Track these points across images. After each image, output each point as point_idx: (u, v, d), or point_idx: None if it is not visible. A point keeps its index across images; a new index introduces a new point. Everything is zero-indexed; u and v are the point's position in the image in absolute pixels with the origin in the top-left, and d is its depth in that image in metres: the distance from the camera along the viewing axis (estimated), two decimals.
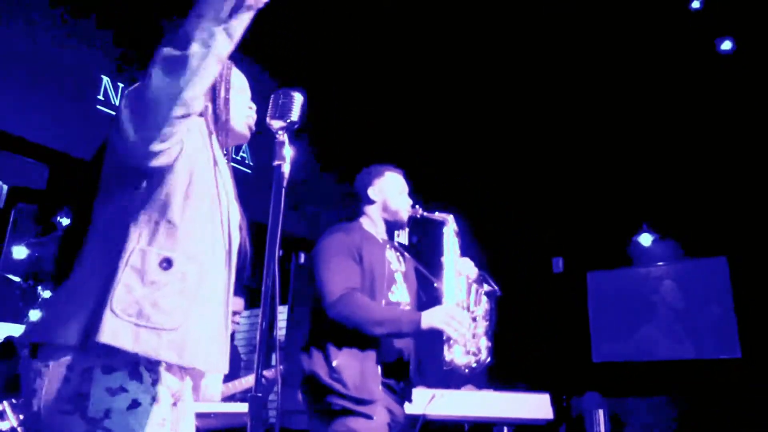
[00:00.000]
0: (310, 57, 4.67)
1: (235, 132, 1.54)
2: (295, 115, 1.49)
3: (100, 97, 3.56)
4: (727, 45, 4.52)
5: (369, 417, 1.91)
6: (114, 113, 3.53)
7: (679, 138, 5.08)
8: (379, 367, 2.00)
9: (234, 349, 4.05)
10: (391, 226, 2.32)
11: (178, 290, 1.15)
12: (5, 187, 3.55)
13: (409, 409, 3.17)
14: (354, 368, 1.94)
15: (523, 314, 5.88)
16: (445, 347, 1.98)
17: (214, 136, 1.48)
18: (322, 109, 4.83)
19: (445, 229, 2.31)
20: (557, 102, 5.15)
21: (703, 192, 5.17)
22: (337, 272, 2.03)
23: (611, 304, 5.62)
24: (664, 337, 5.29)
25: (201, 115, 1.44)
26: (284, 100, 1.50)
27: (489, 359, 2.06)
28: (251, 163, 4.47)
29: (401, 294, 2.18)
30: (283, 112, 1.49)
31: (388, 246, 2.25)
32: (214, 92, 1.48)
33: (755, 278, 4.99)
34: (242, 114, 1.54)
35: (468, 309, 2.13)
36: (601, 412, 2.91)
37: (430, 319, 1.96)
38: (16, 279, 4.47)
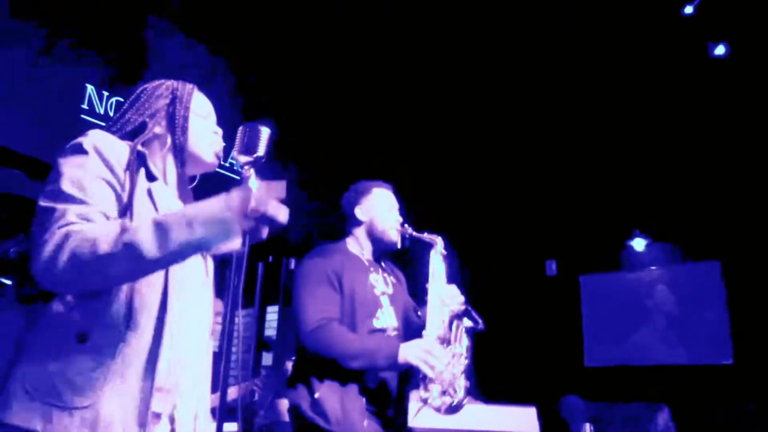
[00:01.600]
0: (298, 70, 4.64)
1: (199, 160, 1.47)
2: (261, 150, 1.45)
3: (84, 106, 3.52)
4: (720, 50, 4.48)
5: None
6: (100, 123, 3.54)
7: (673, 142, 5.05)
8: (363, 398, 1.93)
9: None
10: (380, 247, 2.21)
11: (91, 367, 1.10)
12: None
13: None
14: (335, 401, 1.89)
15: (516, 317, 5.88)
16: (422, 385, 1.91)
17: (171, 167, 1.44)
18: (307, 115, 4.81)
19: (432, 252, 2.19)
20: (551, 106, 5.11)
21: (698, 196, 5.14)
22: (314, 301, 1.97)
23: (604, 308, 5.61)
24: (657, 342, 5.27)
25: (142, 145, 1.36)
26: (250, 134, 1.47)
27: (466, 400, 1.96)
28: (240, 170, 4.43)
29: (387, 319, 2.09)
30: (249, 147, 1.45)
31: (373, 268, 2.15)
32: (172, 121, 1.42)
33: (749, 283, 4.97)
34: (206, 141, 1.46)
35: (448, 344, 2.00)
36: (587, 426, 2.91)
37: (406, 353, 1.88)
38: None
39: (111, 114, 3.65)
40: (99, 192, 1.18)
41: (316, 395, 1.89)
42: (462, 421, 3.17)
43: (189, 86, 1.50)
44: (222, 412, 1.22)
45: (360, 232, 2.20)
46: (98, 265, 1.05)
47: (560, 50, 4.60)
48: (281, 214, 1.18)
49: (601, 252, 5.67)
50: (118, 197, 1.21)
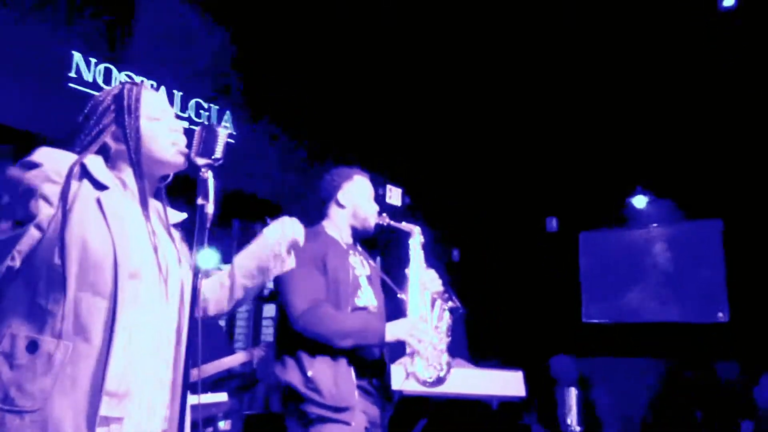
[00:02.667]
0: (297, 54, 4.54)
1: (162, 162, 1.47)
2: (219, 152, 1.45)
3: (72, 74, 3.49)
4: (729, 1, 4.29)
5: (347, 423, 1.94)
6: (88, 91, 3.52)
7: (677, 97, 4.92)
8: (353, 371, 2.02)
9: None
10: (358, 233, 2.27)
11: (41, 372, 1.16)
12: None
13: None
14: (328, 376, 1.97)
15: (516, 273, 5.93)
16: (408, 359, 2.03)
17: (131, 177, 1.44)
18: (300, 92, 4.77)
19: (411, 241, 2.28)
20: (552, 61, 4.98)
21: (701, 152, 5.05)
22: (301, 284, 2.01)
23: (603, 265, 5.63)
24: (653, 299, 5.31)
25: (108, 157, 1.40)
26: (207, 136, 1.45)
27: (448, 374, 2.09)
28: (234, 133, 4.43)
29: (368, 298, 2.17)
30: (206, 149, 1.44)
31: (351, 251, 2.22)
32: (124, 134, 1.41)
33: (749, 242, 4.94)
34: (164, 142, 1.44)
35: (431, 323, 2.13)
36: (573, 390, 2.97)
37: (395, 330, 2.00)
38: None
39: (99, 81, 3.62)
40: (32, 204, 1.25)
41: (309, 373, 1.96)
42: (450, 384, 3.27)
43: (136, 90, 1.46)
44: (185, 383, 1.28)
45: (341, 215, 2.23)
46: None
47: (560, 6, 4.45)
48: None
49: (602, 209, 5.64)
50: (56, 208, 1.25)
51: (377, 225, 2.26)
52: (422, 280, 2.20)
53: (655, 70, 4.85)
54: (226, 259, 5.53)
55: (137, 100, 1.43)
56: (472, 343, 4.05)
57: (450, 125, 5.76)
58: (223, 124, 4.36)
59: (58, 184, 1.26)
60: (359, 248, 2.31)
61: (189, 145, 1.50)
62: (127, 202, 1.39)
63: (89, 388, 1.19)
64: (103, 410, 1.20)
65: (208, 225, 1.41)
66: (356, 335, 1.99)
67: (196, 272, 1.37)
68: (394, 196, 5.64)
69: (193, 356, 1.31)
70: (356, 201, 2.22)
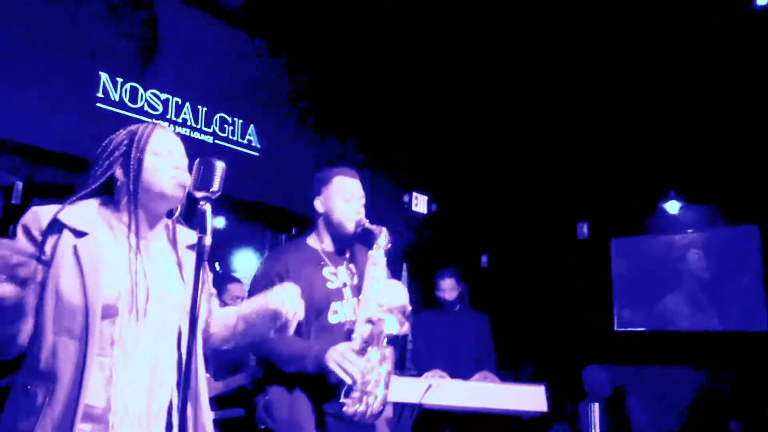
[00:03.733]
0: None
1: (161, 195, 1.52)
2: (216, 184, 1.48)
3: (99, 94, 3.60)
4: (764, 0, 4.13)
5: None
6: (116, 110, 3.63)
7: (710, 100, 4.76)
8: (311, 396, 1.95)
9: None
10: (338, 239, 2.16)
11: (28, 412, 1.29)
12: (20, 184, 3.69)
13: (405, 398, 3.25)
14: (283, 402, 1.94)
15: (546, 279, 5.84)
16: (342, 392, 1.89)
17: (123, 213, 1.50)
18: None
19: (375, 246, 2.11)
20: (584, 64, 4.88)
21: (735, 157, 4.87)
22: None
23: (635, 272, 5.49)
24: (689, 307, 5.15)
25: (106, 195, 1.50)
26: (205, 169, 1.48)
27: (381, 410, 1.90)
28: (258, 146, 4.49)
29: (347, 312, 2.07)
30: (204, 183, 1.47)
31: (330, 261, 2.12)
32: (127, 166, 1.48)
33: None
34: (164, 176, 1.51)
35: (366, 349, 1.94)
36: (596, 406, 2.90)
37: (328, 357, 1.89)
38: None
39: (126, 100, 3.72)
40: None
41: (267, 397, 1.97)
42: (471, 399, 3.25)
43: (151, 127, 1.54)
44: (185, 394, 1.33)
45: (321, 223, 2.17)
46: None
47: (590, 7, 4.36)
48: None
49: (634, 214, 5.50)
50: (40, 261, 1.35)
51: (359, 226, 2.11)
52: (376, 295, 2.01)
53: (688, 71, 4.71)
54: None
55: (148, 136, 1.52)
56: (500, 352, 4.00)
57: (477, 130, 5.71)
58: (247, 137, 4.42)
59: (38, 242, 1.38)
60: (349, 255, 2.19)
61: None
62: (116, 239, 1.46)
63: (62, 424, 1.29)
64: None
65: (206, 257, 1.45)
66: (296, 361, 1.92)
67: (194, 304, 1.41)
68: (420, 203, 5.62)
69: (185, 383, 1.35)
70: (330, 205, 2.13)
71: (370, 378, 1.90)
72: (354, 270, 2.17)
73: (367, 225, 2.12)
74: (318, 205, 2.16)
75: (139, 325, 1.40)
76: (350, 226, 2.11)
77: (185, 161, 1.58)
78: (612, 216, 5.58)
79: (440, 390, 3.22)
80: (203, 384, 1.52)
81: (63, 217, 1.41)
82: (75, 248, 1.37)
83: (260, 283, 2.02)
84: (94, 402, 1.32)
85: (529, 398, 3.18)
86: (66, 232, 1.39)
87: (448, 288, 3.99)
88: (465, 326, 3.96)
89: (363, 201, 2.18)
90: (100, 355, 1.34)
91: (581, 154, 5.56)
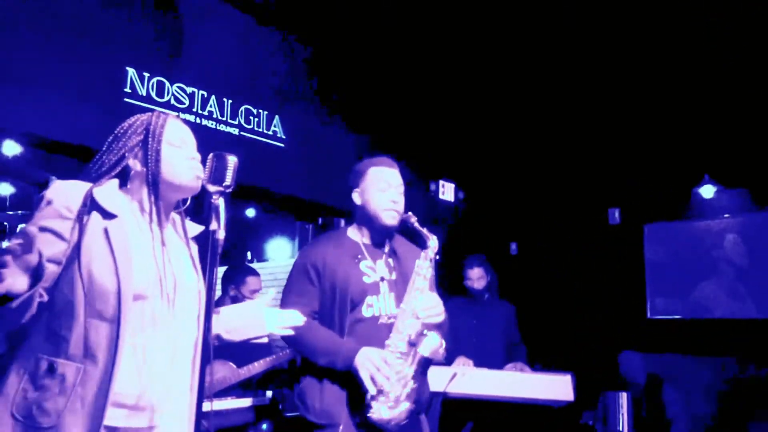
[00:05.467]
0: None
1: (179, 186, 1.55)
2: (229, 179, 1.50)
3: (127, 89, 3.67)
4: None
5: None
6: (144, 105, 3.69)
7: (747, 83, 4.59)
8: (345, 391, 1.96)
9: None
10: (377, 232, 2.13)
11: (57, 392, 1.30)
12: (55, 179, 3.79)
13: (431, 386, 3.26)
14: (315, 390, 1.97)
15: (577, 267, 5.75)
16: (368, 396, 1.90)
17: (146, 196, 1.52)
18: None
19: (422, 254, 2.10)
20: (615, 47, 4.76)
21: None
22: (290, 297, 2.03)
23: (669, 259, 5.36)
24: (725, 294, 5.01)
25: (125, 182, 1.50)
26: (218, 164, 1.51)
27: (405, 422, 1.90)
28: (284, 137, 4.52)
29: (384, 306, 2.05)
30: (217, 177, 1.50)
31: (369, 254, 2.10)
32: (146, 155, 1.50)
33: None
34: (181, 167, 1.54)
35: (398, 363, 1.93)
36: (624, 396, 2.84)
37: (358, 361, 1.90)
38: None
39: (153, 95, 3.79)
40: (44, 241, 1.33)
41: (300, 385, 2.00)
42: (497, 388, 3.23)
43: (163, 118, 1.57)
44: (201, 391, 1.39)
45: (360, 216, 2.15)
46: None
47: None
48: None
49: (667, 199, 5.36)
50: (67, 241, 1.36)
51: (405, 222, 2.09)
52: (415, 308, 1.99)
53: (723, 53, 4.54)
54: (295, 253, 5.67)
55: (162, 126, 1.54)
56: (529, 341, 3.96)
57: (504, 115, 5.64)
58: (272, 128, 4.46)
59: (69, 219, 1.37)
60: (388, 249, 2.16)
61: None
62: (139, 226, 1.48)
63: (95, 404, 1.31)
64: (109, 420, 1.33)
65: (219, 250, 1.48)
66: (328, 357, 1.93)
67: (209, 297, 1.44)
68: (447, 191, 5.59)
69: (200, 379, 1.39)
70: (366, 197, 2.11)
71: (400, 391, 1.90)
72: (393, 264, 2.14)
73: (416, 225, 2.09)
74: (356, 197, 2.14)
75: (168, 311, 1.45)
76: (385, 217, 2.08)
77: (197, 152, 1.61)
78: (645, 201, 5.45)
79: (465, 378, 3.21)
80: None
81: (97, 196, 1.41)
82: (106, 230, 1.38)
83: (296, 277, 2.07)
84: (127, 385, 1.36)
85: (555, 387, 3.15)
86: (95, 214, 1.39)
87: (477, 277, 3.96)
88: (493, 316, 3.93)
89: (401, 189, 2.14)
90: (133, 338, 1.37)
91: (612, 137, 5.43)
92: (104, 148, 1.52)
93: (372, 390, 1.88)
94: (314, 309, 2.02)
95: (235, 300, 3.23)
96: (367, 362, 1.90)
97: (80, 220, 1.37)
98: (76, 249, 1.35)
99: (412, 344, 1.95)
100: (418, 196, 5.43)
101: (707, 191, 5.02)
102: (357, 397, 1.95)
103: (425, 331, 1.98)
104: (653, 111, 5.13)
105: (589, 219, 5.78)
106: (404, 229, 2.19)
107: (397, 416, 1.89)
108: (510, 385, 3.21)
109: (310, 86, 4.69)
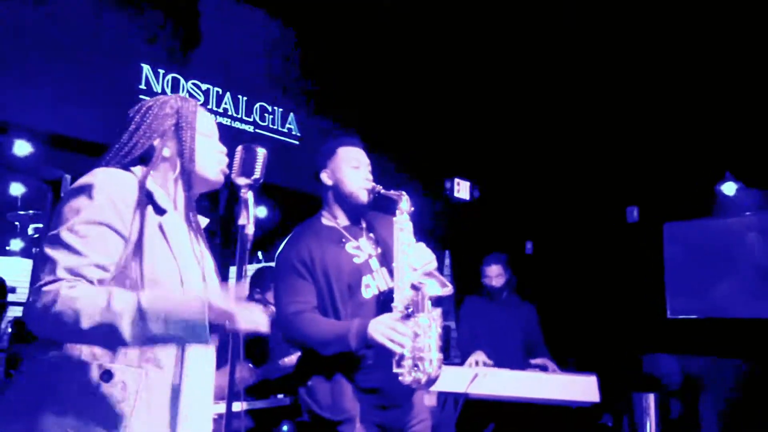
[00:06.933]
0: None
1: (206, 180, 1.48)
2: (258, 171, 1.45)
3: (142, 86, 3.63)
4: None
5: None
6: None
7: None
8: (350, 379, 1.94)
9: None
10: (352, 211, 2.10)
11: (119, 399, 1.17)
12: (69, 177, 3.76)
13: (452, 387, 3.19)
14: (325, 386, 1.93)
15: (594, 266, 5.67)
16: (394, 362, 1.86)
17: (180, 191, 1.44)
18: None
19: (397, 212, 2.03)
20: (631, 42, 4.68)
21: None
22: (284, 294, 1.97)
23: (689, 257, 5.26)
24: (747, 294, 4.91)
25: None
26: (247, 156, 1.45)
27: (438, 374, 1.86)
28: (298, 134, 4.46)
29: (381, 281, 2.03)
30: (246, 170, 1.44)
31: (351, 235, 2.07)
32: (181, 145, 1.42)
33: None
34: (212, 160, 1.47)
35: (412, 316, 1.89)
36: (651, 397, 2.77)
37: (373, 331, 1.84)
38: None
39: (168, 92, 3.74)
40: (97, 240, 1.20)
41: (309, 383, 1.95)
42: (521, 389, 3.16)
43: (192, 104, 1.49)
44: (231, 390, 1.31)
45: (330, 198, 2.12)
46: (79, 336, 1.12)
47: None
48: (258, 324, 1.21)
49: (687, 197, 5.26)
50: (125, 239, 1.23)
51: (374, 194, 2.06)
52: (409, 260, 1.95)
53: (743, 48, 4.45)
54: None
55: (194, 113, 1.46)
56: (546, 341, 3.89)
57: (519, 112, 5.56)
58: (287, 126, 4.41)
59: (126, 214, 1.24)
60: (365, 225, 2.13)
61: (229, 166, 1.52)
62: (178, 222, 1.41)
63: (166, 412, 1.22)
64: (182, 428, 1.24)
65: (249, 245, 1.41)
66: (337, 342, 1.88)
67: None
68: (462, 189, 5.51)
69: (230, 378, 1.33)
70: (339, 176, 2.07)
71: (423, 343, 1.86)
72: (375, 238, 2.12)
73: (383, 191, 2.06)
74: (325, 178, 2.11)
75: None
76: (362, 195, 2.06)
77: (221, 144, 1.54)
78: (664, 199, 5.35)
79: (487, 379, 3.15)
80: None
81: (151, 188, 1.31)
82: (161, 227, 1.30)
83: (285, 276, 2.00)
84: (195, 389, 1.28)
85: (580, 388, 3.08)
86: (149, 207, 1.30)
87: (495, 275, 3.90)
88: (512, 315, 3.87)
89: (370, 168, 2.12)
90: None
91: (630, 134, 5.34)
92: (132, 128, 1.39)
93: (398, 350, 1.83)
94: (313, 304, 1.97)
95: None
96: (380, 326, 1.85)
97: (136, 214, 1.25)
98: (135, 248, 1.24)
99: (416, 288, 1.90)
100: (433, 194, 5.37)
101: (729, 189, 4.92)
102: (370, 377, 1.94)
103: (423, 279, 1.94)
104: (673, 106, 5.03)
105: (607, 217, 5.69)
106: (374, 202, 2.16)
107: (433, 371, 1.85)
108: (534, 386, 3.14)
109: (325, 83, 4.63)
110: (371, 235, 2.11)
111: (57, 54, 3.26)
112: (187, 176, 1.42)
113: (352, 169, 2.07)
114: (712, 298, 5.11)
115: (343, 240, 2.05)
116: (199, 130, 1.46)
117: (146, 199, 1.29)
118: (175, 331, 1.10)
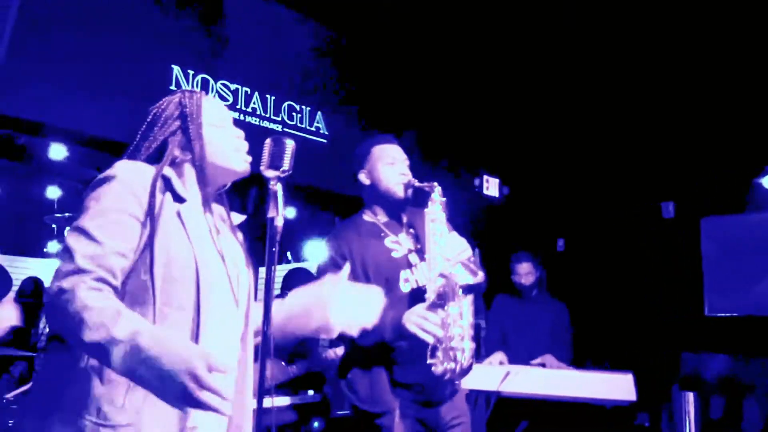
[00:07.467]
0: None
1: (226, 170, 1.47)
2: (287, 163, 1.43)
3: (172, 87, 3.67)
4: None
5: (386, 428, 1.92)
6: None
7: None
8: (389, 372, 1.96)
9: None
10: (391, 207, 2.15)
11: (133, 386, 1.17)
12: None
13: (483, 385, 3.16)
14: (364, 379, 1.96)
15: (629, 264, 5.54)
16: (428, 353, 1.86)
17: (193, 183, 1.44)
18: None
19: (429, 203, 2.06)
20: (667, 35, 4.56)
21: None
22: None
23: (728, 253, 5.10)
24: None
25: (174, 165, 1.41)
26: (276, 148, 1.44)
27: (471, 363, 1.88)
28: (326, 133, 4.47)
29: (419, 277, 2.05)
30: (275, 162, 1.43)
31: (391, 231, 2.11)
32: (188, 141, 1.41)
33: None
34: (228, 148, 1.46)
35: (442, 305, 1.89)
36: (691, 396, 2.69)
37: (406, 321, 1.86)
38: None
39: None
40: (117, 227, 1.22)
41: (350, 376, 1.99)
42: (554, 387, 3.10)
43: (197, 96, 1.49)
44: (262, 385, 1.29)
45: (369, 196, 2.17)
46: (78, 344, 1.12)
47: None
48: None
49: (725, 191, 5.11)
50: (144, 225, 1.25)
51: (410, 187, 2.10)
52: (441, 250, 1.96)
53: None
54: None
55: (199, 107, 1.45)
56: (578, 340, 3.82)
57: (549, 106, 5.47)
58: (315, 124, 4.41)
59: (143, 200, 1.27)
60: (407, 220, 2.16)
61: (253, 155, 1.51)
62: (200, 212, 1.41)
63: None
64: (191, 421, 1.23)
65: (278, 238, 1.40)
66: (373, 332, 1.82)
67: (269, 288, 1.36)
68: (492, 186, 5.45)
69: (261, 374, 1.31)
70: (375, 174, 2.12)
71: (454, 333, 1.87)
72: (415, 234, 2.15)
73: (417, 184, 2.10)
74: (363, 178, 2.16)
75: (227, 299, 1.38)
76: (399, 190, 2.10)
77: (239, 129, 1.52)
78: (701, 194, 5.20)
79: (519, 377, 3.10)
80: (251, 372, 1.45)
81: (170, 175, 1.33)
82: (179, 213, 1.31)
83: (326, 269, 2.04)
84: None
85: (615, 387, 3.01)
86: (168, 195, 1.31)
87: (525, 272, 3.85)
88: (543, 313, 3.81)
89: (407, 163, 2.16)
90: (212, 329, 1.29)
91: (666, 126, 5.21)
92: (139, 136, 1.44)
93: (429, 339, 1.83)
94: None
95: None
96: (412, 316, 1.87)
97: (155, 200, 1.27)
98: (151, 232, 1.25)
99: (445, 276, 1.91)
100: (462, 191, 5.32)
101: None
102: (407, 371, 1.94)
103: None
104: (709, 98, 4.89)
105: (642, 213, 5.56)
106: (412, 197, 2.19)
107: (465, 361, 1.86)
108: (568, 384, 3.08)
109: (353, 82, 4.63)
110: (411, 230, 2.14)
111: (89, 56, 3.31)
112: (200, 170, 1.42)
113: (387, 165, 2.11)
114: (752, 296, 4.95)
115: (382, 234, 2.09)
116: (208, 121, 1.45)
117: (164, 185, 1.31)
118: (151, 377, 1.06)
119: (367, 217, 2.16)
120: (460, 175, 5.32)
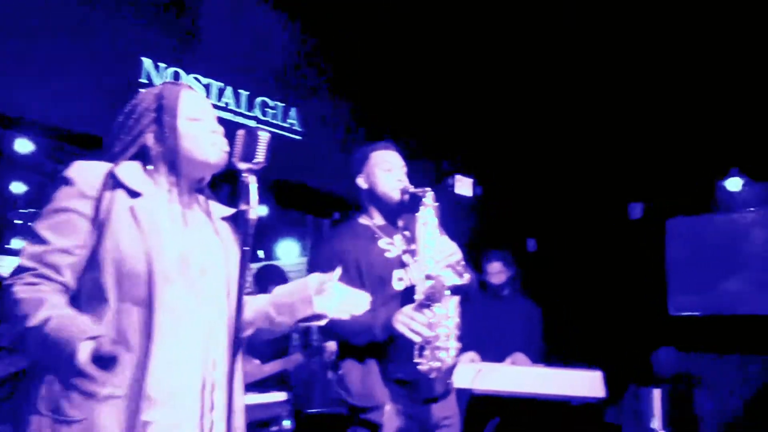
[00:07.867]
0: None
1: (201, 163, 1.47)
2: (260, 156, 1.42)
3: (143, 80, 3.61)
4: None
5: (376, 423, 1.93)
6: None
7: None
8: (382, 368, 1.99)
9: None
10: (387, 211, 2.20)
11: (87, 382, 1.19)
12: None
13: (455, 383, 3.17)
14: (356, 374, 1.98)
15: (597, 263, 5.64)
16: (415, 351, 1.90)
17: (170, 177, 1.43)
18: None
19: (421, 207, 2.10)
20: (635, 36, 4.65)
21: None
22: None
23: (693, 254, 5.23)
24: (753, 290, 4.88)
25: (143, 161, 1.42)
26: (249, 140, 1.42)
27: (456, 363, 1.95)
28: (300, 129, 4.45)
29: (413, 276, 2.09)
30: (248, 154, 1.41)
31: (384, 233, 2.17)
32: (161, 133, 1.41)
33: None
34: (204, 142, 1.45)
35: (429, 305, 1.93)
36: (657, 392, 2.75)
37: (395, 320, 1.91)
38: None
39: None
40: (65, 226, 1.28)
41: (340, 371, 2.01)
42: (525, 384, 3.14)
43: (175, 90, 1.48)
44: (231, 379, 1.28)
45: (366, 200, 2.21)
46: (12, 335, 1.22)
47: None
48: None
49: (691, 193, 5.23)
50: (94, 223, 1.28)
51: (406, 193, 2.14)
52: (431, 252, 2.00)
53: (747, 42, 4.42)
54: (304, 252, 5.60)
55: (176, 99, 1.44)
56: (548, 338, 3.86)
57: (520, 107, 5.53)
58: (288, 120, 4.38)
59: (92, 198, 1.29)
60: (402, 224, 2.21)
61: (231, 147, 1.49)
62: (164, 205, 1.39)
63: (131, 395, 1.22)
64: (144, 415, 1.23)
65: (251, 230, 1.39)
66: (364, 333, 1.96)
67: (241, 285, 1.35)
68: (464, 185, 5.49)
69: (231, 360, 1.29)
70: (372, 179, 2.17)
71: (440, 333, 1.91)
72: (410, 236, 2.19)
73: (412, 189, 2.14)
74: (361, 182, 2.20)
75: (189, 293, 1.36)
76: (395, 195, 2.14)
77: (218, 124, 1.52)
78: (667, 195, 5.32)
79: (492, 375, 3.12)
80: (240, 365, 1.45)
81: (120, 173, 1.34)
82: (132, 209, 1.31)
83: (318, 262, 2.07)
84: (164, 375, 1.27)
85: (585, 383, 3.05)
86: (120, 192, 1.32)
87: (495, 271, 3.87)
88: (515, 312, 3.84)
89: (404, 170, 2.21)
90: (166, 324, 1.29)
91: (633, 129, 5.31)
92: (115, 129, 1.45)
93: (416, 339, 1.88)
94: None
95: None
96: (401, 316, 1.92)
97: (104, 198, 1.30)
98: (102, 229, 1.28)
99: (432, 278, 1.95)
100: (434, 190, 5.32)
101: (734, 184, 4.89)
102: (397, 367, 1.97)
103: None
104: (676, 101, 5.00)
105: (610, 214, 5.66)
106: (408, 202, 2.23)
107: (450, 359, 1.91)
108: (539, 381, 3.11)
109: (327, 78, 4.62)
110: (406, 233, 2.19)
111: (56, 48, 3.24)
112: (172, 163, 1.42)
113: (384, 171, 2.16)
114: (715, 295, 5.08)
115: (376, 236, 2.15)
116: (185, 114, 1.44)
117: (114, 183, 1.32)
118: (53, 358, 1.15)
119: (363, 220, 2.21)
120: (433, 174, 5.33)
